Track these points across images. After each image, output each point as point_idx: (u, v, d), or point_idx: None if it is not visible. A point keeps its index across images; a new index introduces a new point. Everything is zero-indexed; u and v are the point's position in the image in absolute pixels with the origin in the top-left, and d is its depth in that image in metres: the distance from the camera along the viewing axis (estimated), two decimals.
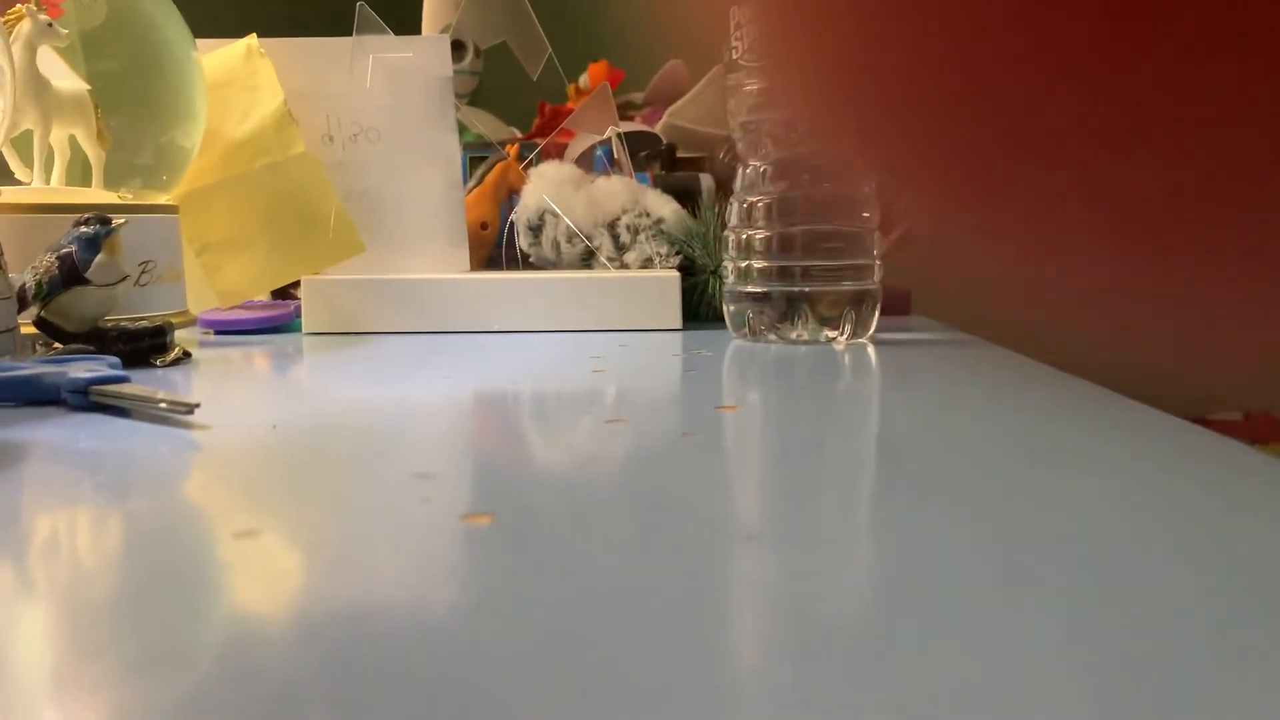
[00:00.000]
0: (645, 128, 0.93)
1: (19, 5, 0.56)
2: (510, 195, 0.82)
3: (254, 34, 0.73)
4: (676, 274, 0.67)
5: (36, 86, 0.56)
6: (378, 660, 0.16)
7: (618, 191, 0.74)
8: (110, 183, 0.62)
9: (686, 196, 0.78)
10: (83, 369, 0.41)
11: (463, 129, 0.90)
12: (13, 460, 0.31)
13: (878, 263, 0.59)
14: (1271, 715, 0.14)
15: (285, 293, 0.77)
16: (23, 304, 0.51)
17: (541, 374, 0.48)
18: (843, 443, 0.33)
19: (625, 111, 1.13)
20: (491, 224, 0.82)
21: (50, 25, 0.56)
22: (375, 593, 0.19)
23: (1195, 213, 0.08)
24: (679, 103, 0.96)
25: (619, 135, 0.79)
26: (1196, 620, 0.17)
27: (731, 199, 0.61)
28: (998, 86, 0.08)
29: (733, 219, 0.60)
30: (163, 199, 0.65)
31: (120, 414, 0.38)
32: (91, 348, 0.51)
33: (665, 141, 0.89)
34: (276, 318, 0.70)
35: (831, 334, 0.58)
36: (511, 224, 0.77)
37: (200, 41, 0.69)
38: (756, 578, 0.20)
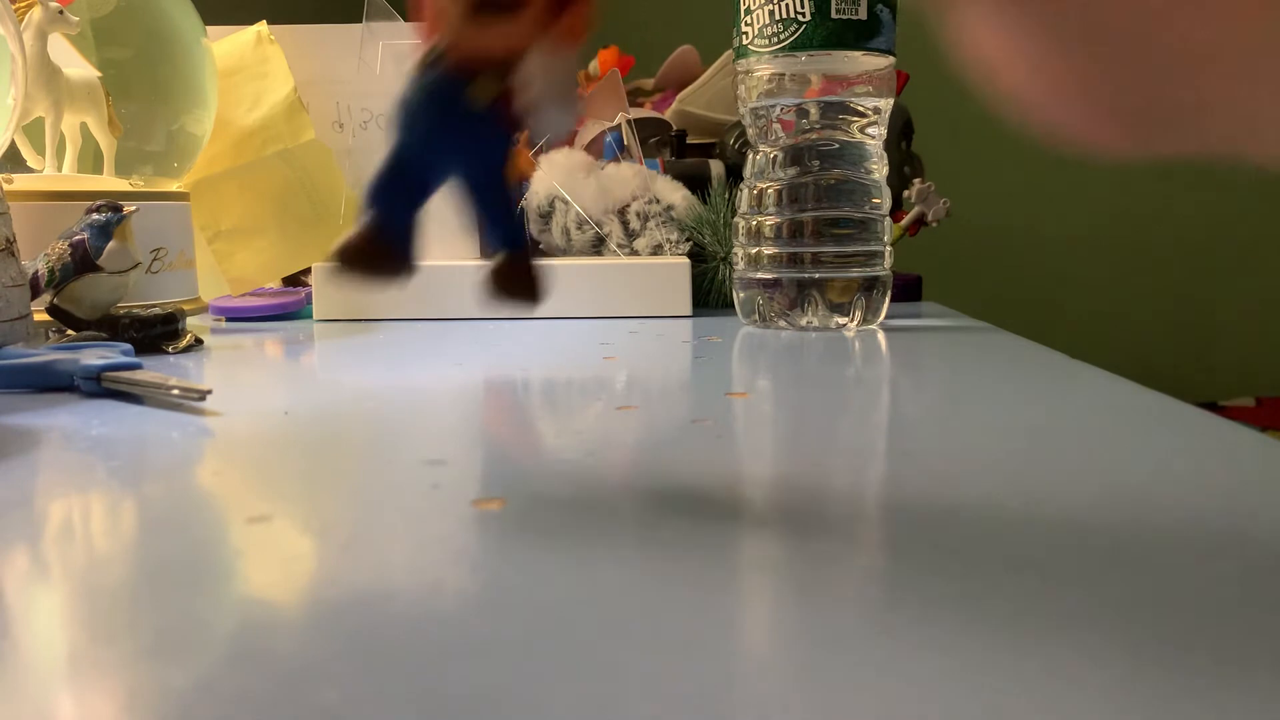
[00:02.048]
0: (655, 114, 0.93)
1: None
2: (520, 182, 0.82)
3: (264, 21, 0.73)
4: (686, 260, 0.67)
5: (48, 74, 0.56)
6: (389, 645, 0.16)
7: (627, 178, 0.73)
8: (122, 170, 0.62)
9: (696, 183, 0.77)
10: (95, 355, 0.41)
11: None
12: (27, 446, 0.31)
13: (888, 249, 0.59)
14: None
15: (296, 280, 0.77)
16: (35, 291, 0.51)
17: (552, 360, 0.48)
18: (852, 429, 0.33)
19: (635, 98, 1.13)
20: None
21: (61, 13, 0.56)
22: (387, 578, 0.19)
23: None
24: (689, 89, 0.95)
25: (629, 121, 0.79)
26: (1209, 608, 0.17)
27: (741, 185, 0.61)
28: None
29: (743, 205, 0.60)
30: (174, 186, 0.65)
31: (133, 400, 0.38)
32: (104, 334, 0.52)
33: (675, 128, 0.89)
34: (287, 305, 0.70)
35: (842, 320, 0.58)
36: (521, 210, 0.77)
37: (211, 28, 0.69)
38: (766, 563, 0.20)
